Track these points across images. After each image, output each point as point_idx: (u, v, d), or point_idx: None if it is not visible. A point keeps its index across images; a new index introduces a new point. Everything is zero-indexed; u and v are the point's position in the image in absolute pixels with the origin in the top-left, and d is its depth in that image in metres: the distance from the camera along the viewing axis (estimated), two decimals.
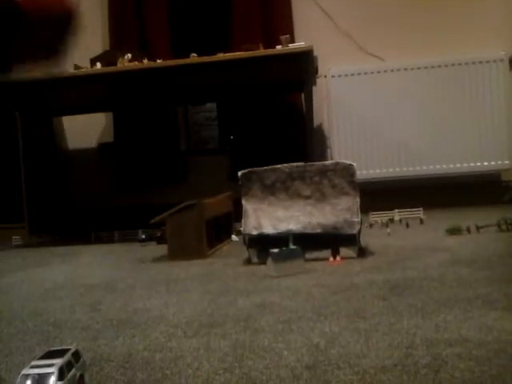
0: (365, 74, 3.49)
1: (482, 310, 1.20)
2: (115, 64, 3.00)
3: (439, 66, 3.44)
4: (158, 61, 3.01)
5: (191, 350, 1.07)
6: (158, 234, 2.85)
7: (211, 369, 0.97)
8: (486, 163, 3.41)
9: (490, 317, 1.14)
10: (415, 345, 1.01)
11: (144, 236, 2.98)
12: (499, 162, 3.40)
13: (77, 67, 3.11)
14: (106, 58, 3.10)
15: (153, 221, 2.30)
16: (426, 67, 3.45)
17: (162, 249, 2.46)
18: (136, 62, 2.98)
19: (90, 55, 3.14)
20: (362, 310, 1.27)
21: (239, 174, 2.09)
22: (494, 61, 3.41)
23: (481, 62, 3.41)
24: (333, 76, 3.51)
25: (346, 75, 3.50)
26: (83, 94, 3.43)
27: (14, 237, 3.42)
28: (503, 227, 2.30)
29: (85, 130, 3.94)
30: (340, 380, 0.87)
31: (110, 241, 3.17)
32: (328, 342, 1.06)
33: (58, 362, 0.83)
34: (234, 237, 2.74)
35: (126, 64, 2.97)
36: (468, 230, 2.33)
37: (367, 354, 0.98)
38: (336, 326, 1.17)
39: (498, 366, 0.88)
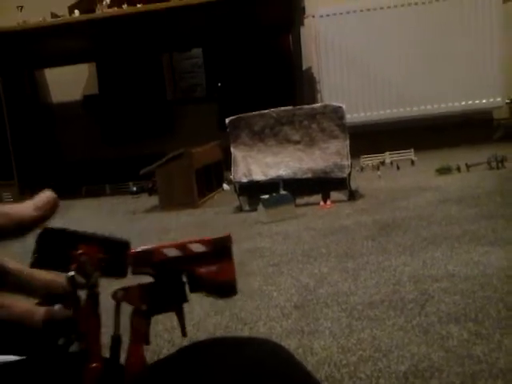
0: (354, 12, 3.36)
1: (469, 246, 1.21)
2: (94, 11, 2.87)
3: (430, 2, 3.32)
4: (138, 5, 2.88)
5: None
6: (150, 185, 2.84)
7: (202, 312, 0.98)
8: (477, 101, 3.37)
9: (477, 252, 1.16)
10: (402, 281, 1.03)
11: (135, 188, 2.97)
12: (491, 100, 3.36)
13: (54, 16, 2.99)
14: (84, 4, 2.97)
15: (142, 172, 2.29)
16: (416, 3, 3.33)
17: (154, 200, 2.45)
18: (115, 8, 2.86)
19: (67, 3, 3.01)
20: (351, 251, 1.28)
21: (227, 121, 2.06)
22: None
23: None
24: (321, 16, 3.39)
25: (335, 14, 3.38)
26: (63, 44, 3.31)
27: (4, 193, 3.40)
28: (493, 165, 2.30)
29: (68, 82, 3.83)
30: (328, 317, 0.89)
31: (102, 194, 3.16)
32: (317, 282, 1.07)
33: None
34: (225, 185, 2.73)
35: (104, 10, 2.84)
36: (458, 169, 2.33)
37: (355, 292, 1.00)
38: (325, 266, 1.18)
39: (482, 298, 0.90)
